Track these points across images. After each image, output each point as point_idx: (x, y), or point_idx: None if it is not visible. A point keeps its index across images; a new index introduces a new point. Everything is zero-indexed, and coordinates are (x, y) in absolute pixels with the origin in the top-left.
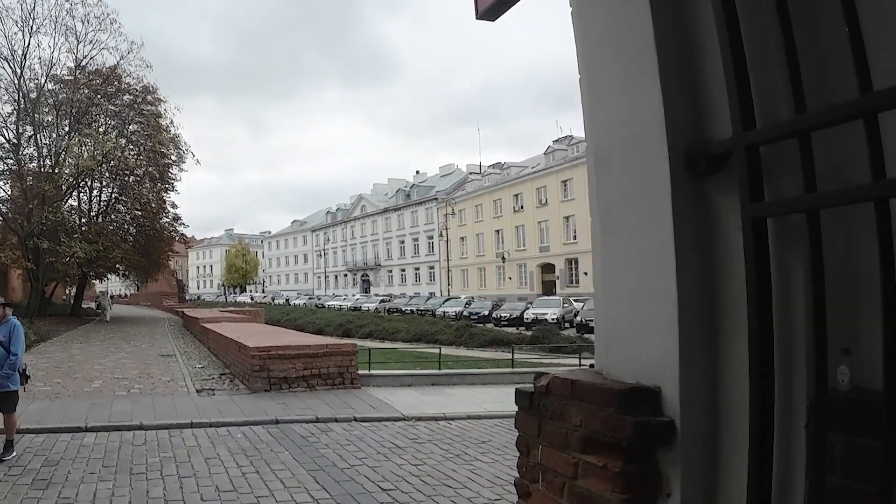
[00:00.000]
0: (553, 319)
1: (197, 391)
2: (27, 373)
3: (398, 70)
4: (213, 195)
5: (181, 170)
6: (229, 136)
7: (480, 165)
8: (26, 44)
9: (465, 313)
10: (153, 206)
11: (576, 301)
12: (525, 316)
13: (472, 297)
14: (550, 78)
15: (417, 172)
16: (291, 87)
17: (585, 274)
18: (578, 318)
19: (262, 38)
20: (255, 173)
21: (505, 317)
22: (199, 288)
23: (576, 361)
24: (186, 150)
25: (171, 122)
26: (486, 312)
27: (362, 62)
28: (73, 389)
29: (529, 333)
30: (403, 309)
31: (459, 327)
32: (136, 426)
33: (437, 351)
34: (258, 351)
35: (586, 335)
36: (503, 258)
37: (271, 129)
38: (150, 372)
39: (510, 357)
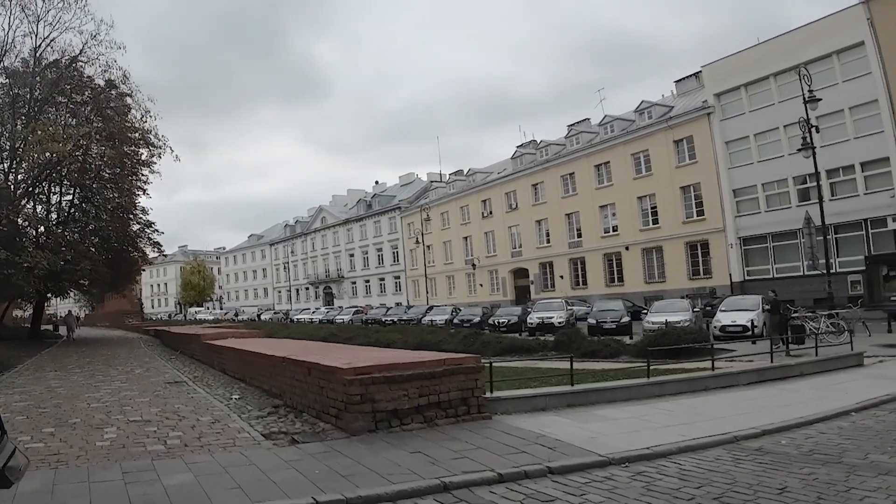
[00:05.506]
0: (560, 323)
1: (264, 436)
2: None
3: (330, 89)
4: (157, 214)
5: (153, 171)
6: (163, 157)
7: (441, 173)
8: None
9: (455, 321)
10: (121, 212)
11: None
12: (528, 321)
13: (456, 306)
14: (476, 93)
15: (377, 182)
16: (227, 106)
17: (561, 277)
18: (591, 320)
19: (193, 58)
20: (198, 191)
21: (503, 322)
22: (153, 307)
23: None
24: (163, 144)
25: (147, 112)
26: (478, 319)
27: (294, 82)
28: (80, 446)
29: (552, 339)
30: (383, 319)
31: (468, 335)
32: None
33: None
34: (356, 373)
35: (602, 337)
36: (473, 265)
37: (210, 147)
38: (176, 409)
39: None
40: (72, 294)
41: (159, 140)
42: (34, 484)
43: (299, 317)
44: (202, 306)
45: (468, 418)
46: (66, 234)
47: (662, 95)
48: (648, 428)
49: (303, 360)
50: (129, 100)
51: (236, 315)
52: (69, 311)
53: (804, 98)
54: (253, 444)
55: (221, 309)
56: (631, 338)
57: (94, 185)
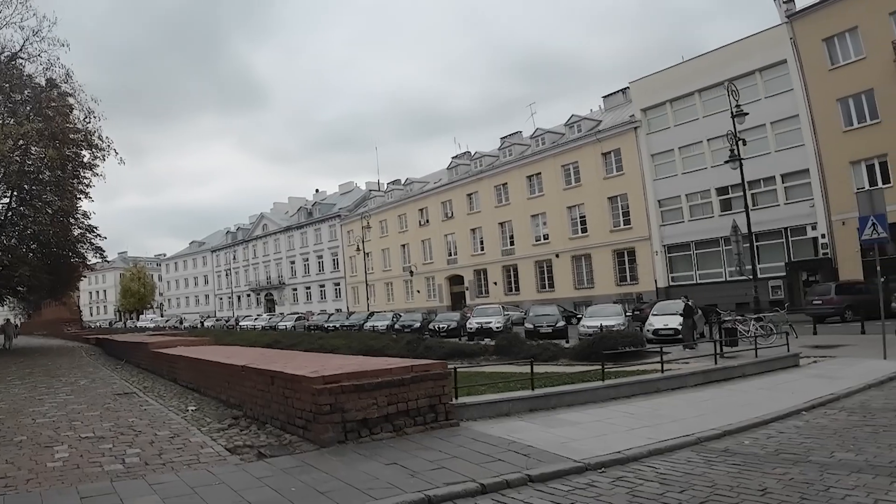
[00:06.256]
0: (498, 328)
1: (229, 451)
2: None
3: (269, 98)
4: (96, 219)
5: (95, 174)
6: (108, 159)
7: (379, 182)
8: None
9: (396, 327)
10: (62, 216)
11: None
12: (468, 326)
13: (397, 312)
14: (411, 104)
15: (317, 191)
16: (167, 113)
17: (495, 284)
18: (528, 325)
19: (133, 63)
20: (138, 197)
21: (444, 327)
22: (92, 314)
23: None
24: (108, 146)
25: (91, 113)
26: (419, 325)
27: (233, 90)
28: (29, 467)
29: (493, 343)
30: (326, 326)
31: (411, 341)
32: None
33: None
34: (325, 382)
35: (541, 341)
36: (411, 272)
37: (150, 153)
38: (130, 423)
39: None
40: (7, 301)
41: (103, 142)
42: None
43: (242, 323)
44: (143, 313)
45: (436, 426)
46: (2, 238)
47: (591, 110)
48: (615, 431)
49: (265, 368)
50: (71, 100)
51: (180, 322)
52: (7, 320)
53: (731, 112)
54: (218, 459)
55: (163, 316)
56: (567, 341)
57: (33, 188)
